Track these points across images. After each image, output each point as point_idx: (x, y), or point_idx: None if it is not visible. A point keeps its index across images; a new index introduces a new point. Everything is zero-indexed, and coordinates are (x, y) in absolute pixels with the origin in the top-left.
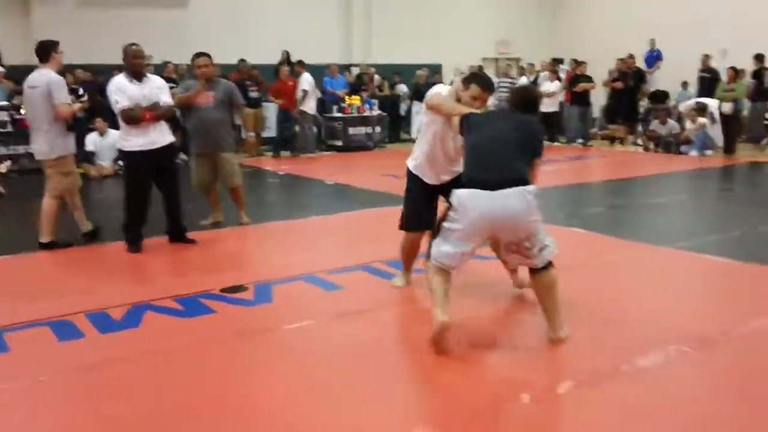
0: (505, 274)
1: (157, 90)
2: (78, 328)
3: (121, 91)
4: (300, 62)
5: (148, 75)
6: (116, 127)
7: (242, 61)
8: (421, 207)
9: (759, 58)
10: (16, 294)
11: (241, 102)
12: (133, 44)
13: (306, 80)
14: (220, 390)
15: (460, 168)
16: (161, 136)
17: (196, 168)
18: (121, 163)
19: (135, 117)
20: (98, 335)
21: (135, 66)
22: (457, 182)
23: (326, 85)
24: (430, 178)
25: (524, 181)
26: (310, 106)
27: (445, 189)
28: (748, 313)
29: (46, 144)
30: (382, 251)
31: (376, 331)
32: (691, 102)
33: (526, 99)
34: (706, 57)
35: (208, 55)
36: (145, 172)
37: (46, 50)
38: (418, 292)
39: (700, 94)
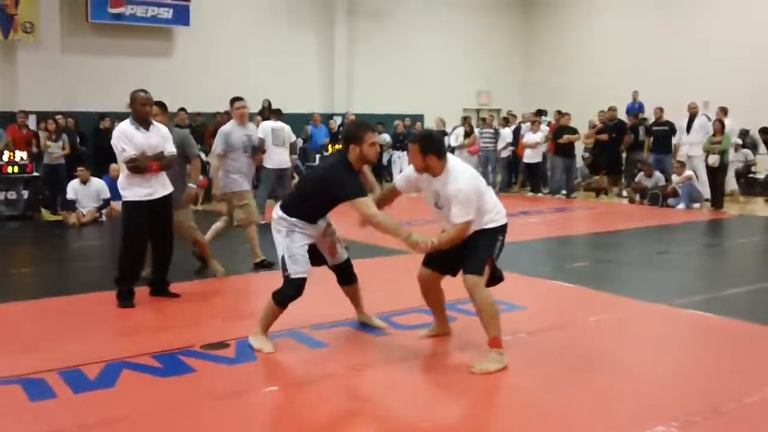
0: None
1: (162, 139)
2: (51, 387)
3: (128, 139)
4: (276, 110)
5: (154, 123)
6: (99, 175)
7: (219, 113)
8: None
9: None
10: None
11: (194, 153)
12: (142, 90)
13: (262, 129)
14: None
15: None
16: (163, 186)
17: None
18: (103, 212)
19: (141, 168)
20: (71, 395)
21: (142, 113)
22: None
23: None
24: None
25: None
26: (271, 159)
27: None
28: (757, 379)
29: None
30: (369, 304)
31: (377, 388)
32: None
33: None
34: (659, 110)
35: (160, 104)
36: (145, 222)
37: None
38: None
39: (656, 149)
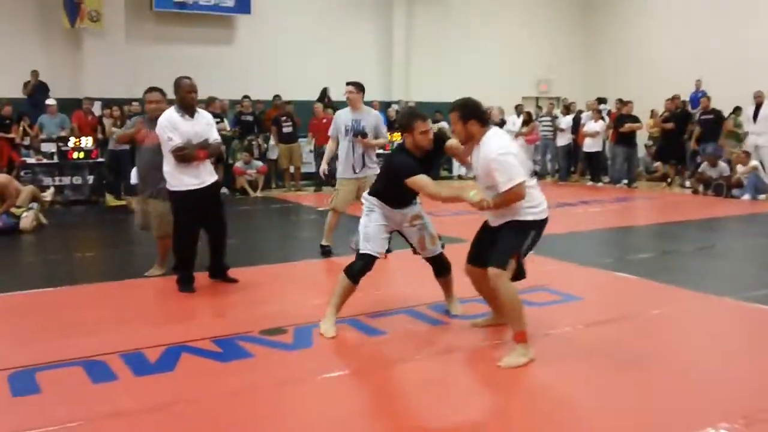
0: None
1: (207, 126)
2: (111, 369)
3: (175, 128)
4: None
5: (199, 110)
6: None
7: (277, 97)
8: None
9: None
10: (50, 330)
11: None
12: (186, 77)
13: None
14: None
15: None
16: (210, 174)
17: (138, 210)
18: None
19: (189, 157)
20: (132, 378)
21: (188, 100)
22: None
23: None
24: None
25: None
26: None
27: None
28: None
29: None
30: (426, 294)
31: (421, 380)
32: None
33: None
34: (708, 99)
35: (160, 91)
36: (196, 212)
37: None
38: (468, 334)
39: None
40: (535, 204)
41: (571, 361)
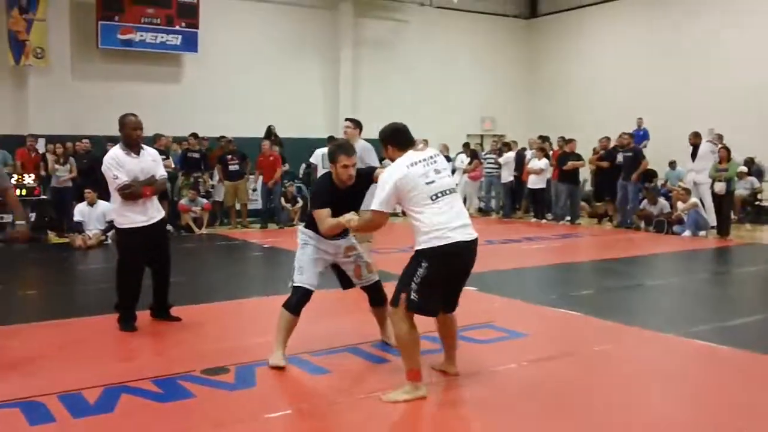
0: None
1: (152, 163)
2: (50, 411)
3: (120, 165)
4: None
5: (144, 147)
6: (105, 198)
7: (223, 137)
8: None
9: None
10: None
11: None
12: (132, 114)
13: (314, 156)
14: None
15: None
16: (158, 210)
17: None
18: (109, 234)
19: (136, 194)
20: (70, 419)
21: (133, 137)
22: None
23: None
24: None
25: None
26: None
27: None
28: (765, 412)
29: None
30: (370, 332)
31: (365, 419)
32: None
33: None
34: (629, 136)
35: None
36: (142, 249)
37: None
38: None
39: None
40: (427, 230)
41: (517, 399)
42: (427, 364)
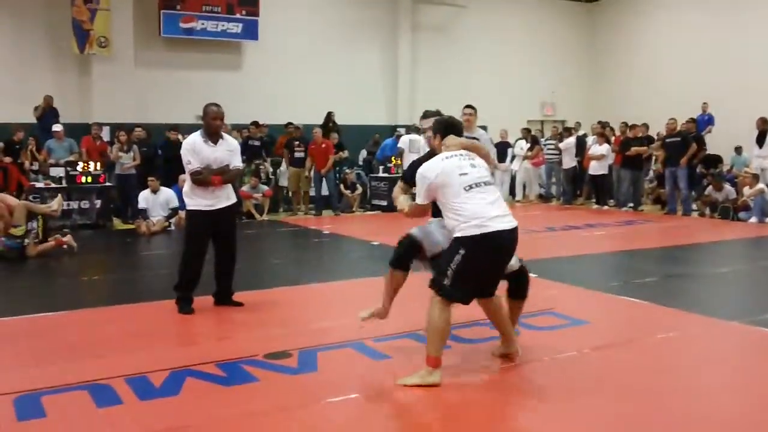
0: None
1: (228, 153)
2: (117, 393)
3: (195, 152)
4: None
5: (224, 136)
6: (168, 185)
7: (290, 123)
8: None
9: None
10: (55, 354)
11: None
12: (214, 104)
13: (402, 141)
14: None
15: None
16: (227, 197)
17: None
18: (172, 221)
19: (204, 181)
20: (137, 402)
21: (213, 127)
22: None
23: (384, 149)
24: None
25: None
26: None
27: None
28: None
29: None
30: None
31: (431, 405)
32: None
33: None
34: (673, 121)
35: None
36: (206, 232)
37: None
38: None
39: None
40: (464, 219)
41: (577, 386)
42: (488, 351)
